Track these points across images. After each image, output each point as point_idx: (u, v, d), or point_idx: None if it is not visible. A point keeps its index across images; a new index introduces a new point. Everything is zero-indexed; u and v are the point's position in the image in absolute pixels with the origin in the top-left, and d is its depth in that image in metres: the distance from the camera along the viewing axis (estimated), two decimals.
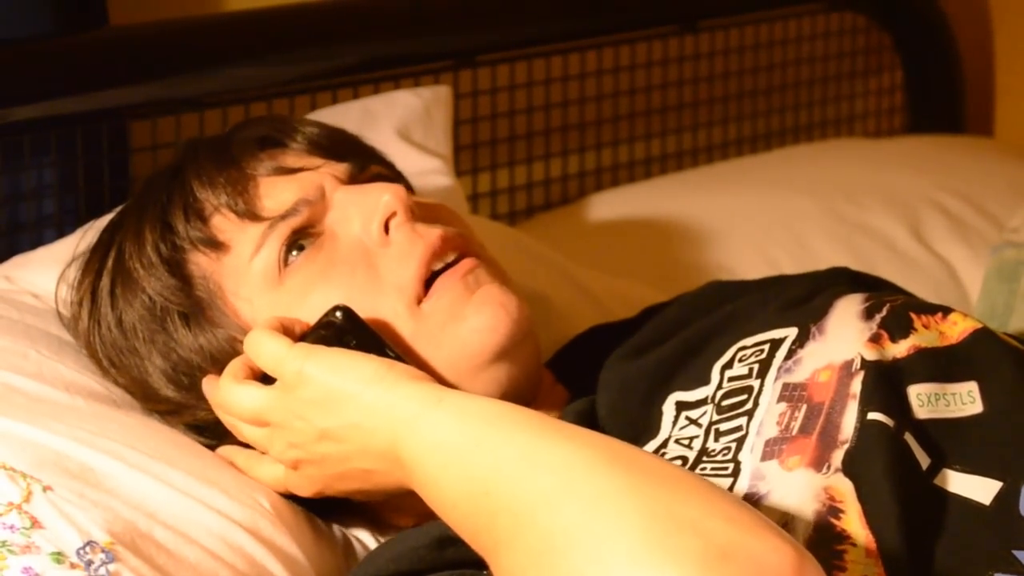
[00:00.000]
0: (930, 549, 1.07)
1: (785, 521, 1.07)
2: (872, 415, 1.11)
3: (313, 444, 1.18)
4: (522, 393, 1.26)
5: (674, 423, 1.20)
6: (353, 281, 1.24)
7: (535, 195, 2.00)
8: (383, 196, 1.26)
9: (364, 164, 1.33)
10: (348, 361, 1.15)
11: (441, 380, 1.20)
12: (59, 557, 1.12)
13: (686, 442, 1.18)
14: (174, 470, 1.22)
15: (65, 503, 1.15)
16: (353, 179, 1.31)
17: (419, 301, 1.24)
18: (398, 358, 1.19)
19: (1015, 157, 2.12)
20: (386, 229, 1.26)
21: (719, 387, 1.20)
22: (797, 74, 2.24)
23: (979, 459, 1.11)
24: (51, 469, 1.18)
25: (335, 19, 1.79)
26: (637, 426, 1.21)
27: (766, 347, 1.21)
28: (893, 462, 1.09)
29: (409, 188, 1.38)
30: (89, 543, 1.13)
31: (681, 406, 1.21)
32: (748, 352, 1.21)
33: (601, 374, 1.28)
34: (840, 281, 1.31)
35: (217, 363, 1.26)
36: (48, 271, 1.42)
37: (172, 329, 1.28)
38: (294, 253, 1.26)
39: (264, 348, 1.19)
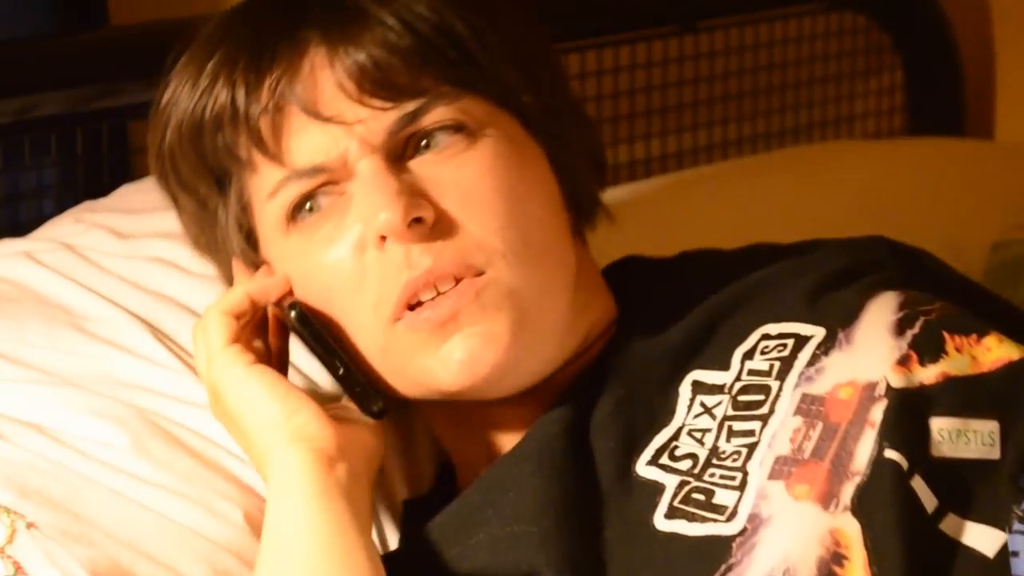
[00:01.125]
0: None
1: (786, 567, 1.05)
2: (888, 453, 1.08)
3: (237, 440, 1.21)
4: (504, 400, 1.20)
5: (689, 408, 1.17)
6: (340, 274, 1.17)
7: None
8: (379, 215, 1.14)
9: (417, 112, 1.17)
10: (256, 393, 1.17)
11: (410, 392, 1.20)
12: None
13: (699, 435, 1.15)
14: (157, 489, 1.22)
15: (49, 541, 1.14)
16: (392, 137, 1.17)
17: (397, 319, 1.16)
18: (347, 369, 1.19)
19: (1015, 158, 2.12)
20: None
21: (738, 378, 1.16)
22: (797, 74, 2.23)
23: (987, 509, 1.08)
24: (35, 500, 1.17)
25: None
26: (654, 412, 1.17)
27: (790, 343, 1.16)
28: (903, 508, 1.06)
29: (506, 97, 1.22)
30: None
31: (697, 388, 1.17)
32: (771, 345, 1.17)
33: (619, 339, 1.23)
34: (878, 253, 1.27)
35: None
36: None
37: (211, 209, 1.24)
38: (307, 206, 1.18)
39: (208, 335, 1.20)
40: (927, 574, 1.05)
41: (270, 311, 1.23)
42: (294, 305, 1.18)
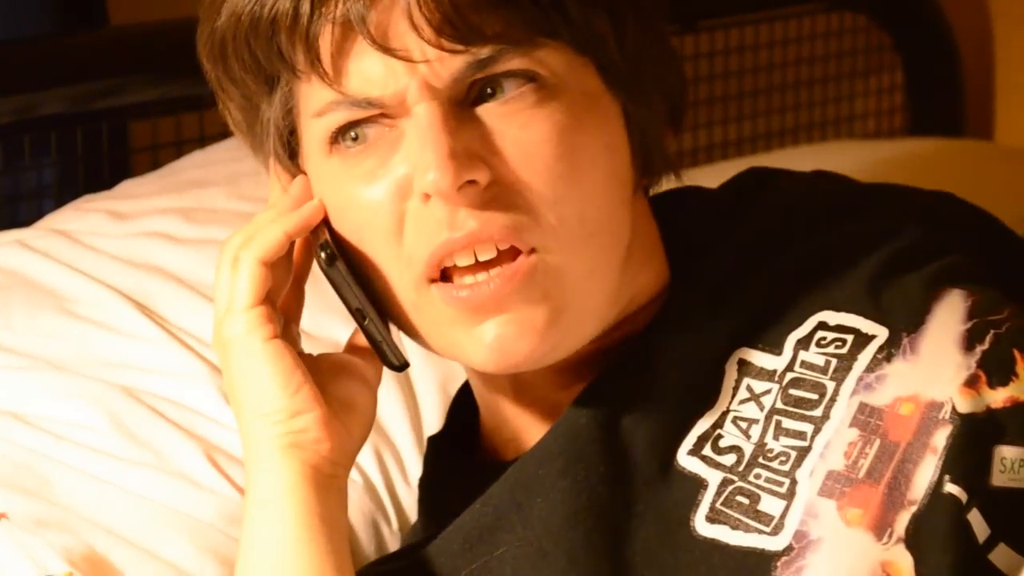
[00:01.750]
0: None
1: None
2: (949, 487, 1.03)
3: (231, 404, 1.14)
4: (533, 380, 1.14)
5: (734, 391, 1.10)
6: (376, 218, 1.08)
7: None
8: (428, 174, 1.04)
9: (489, 60, 1.06)
10: (263, 378, 1.10)
11: (436, 349, 1.12)
12: None
13: (744, 425, 1.08)
14: (137, 468, 1.22)
15: (21, 532, 1.14)
16: (457, 83, 1.06)
17: (431, 280, 1.07)
18: (372, 319, 1.12)
19: (1015, 158, 2.12)
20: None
21: (790, 368, 1.10)
22: (797, 74, 2.24)
23: None
24: (8, 488, 1.17)
25: None
26: (700, 393, 1.10)
27: (849, 340, 1.09)
28: (959, 546, 1.02)
29: (600, 50, 1.11)
30: None
31: (744, 368, 1.10)
32: (828, 337, 1.10)
33: (684, 304, 1.14)
34: (945, 215, 1.21)
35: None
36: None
37: (255, 103, 1.14)
38: (352, 134, 1.08)
39: (236, 285, 1.10)
40: None
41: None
42: (325, 245, 1.11)
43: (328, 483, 1.11)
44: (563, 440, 1.11)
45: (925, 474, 1.03)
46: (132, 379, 1.29)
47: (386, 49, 1.05)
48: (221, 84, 1.15)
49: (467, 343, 1.08)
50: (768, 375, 1.09)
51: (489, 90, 1.07)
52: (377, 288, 1.11)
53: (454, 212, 1.06)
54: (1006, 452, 1.04)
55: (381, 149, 1.08)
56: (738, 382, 1.10)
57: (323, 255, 1.11)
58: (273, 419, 1.10)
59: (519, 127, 1.07)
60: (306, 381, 1.11)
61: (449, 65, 1.05)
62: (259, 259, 1.10)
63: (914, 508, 1.02)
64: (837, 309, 1.10)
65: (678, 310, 1.14)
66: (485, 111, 1.07)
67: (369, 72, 1.06)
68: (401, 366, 1.13)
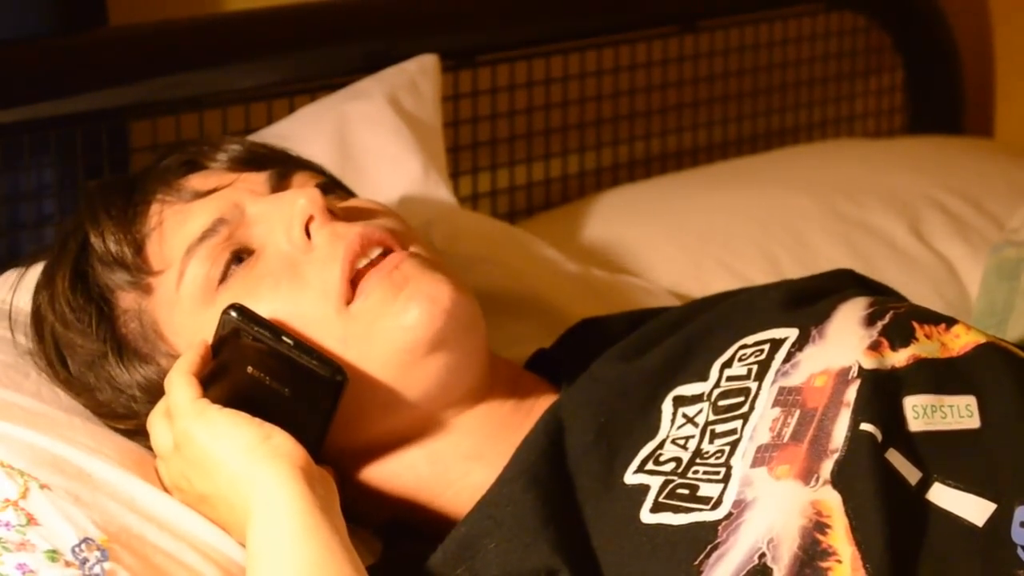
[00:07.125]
0: (916, 569, 1.06)
1: (770, 537, 1.07)
2: (864, 426, 1.10)
3: (199, 505, 1.21)
4: (466, 382, 1.24)
5: (672, 421, 1.20)
6: (278, 292, 1.22)
7: (535, 195, 2.00)
8: (298, 201, 1.23)
9: (286, 171, 1.30)
10: (230, 426, 1.17)
11: (378, 377, 1.21)
12: (54, 555, 1.13)
13: (682, 442, 1.17)
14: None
15: (61, 500, 1.16)
16: (274, 190, 1.28)
17: (347, 302, 1.22)
18: (296, 345, 1.19)
19: (1015, 157, 2.12)
20: (308, 233, 1.23)
21: (716, 385, 1.20)
22: (797, 74, 2.24)
23: (973, 477, 1.09)
24: (49, 469, 1.19)
25: (334, 19, 1.79)
26: (634, 432, 1.20)
27: (766, 347, 1.20)
28: (882, 478, 1.08)
29: (345, 190, 1.37)
30: (85, 540, 1.14)
31: (678, 401, 1.21)
32: (748, 352, 1.21)
33: (593, 369, 1.27)
34: (845, 284, 1.30)
35: (156, 395, 1.25)
36: None
37: (109, 369, 1.27)
38: (233, 267, 1.25)
39: (172, 393, 1.21)
40: (911, 541, 1.07)
41: None
42: (230, 306, 1.20)
43: (319, 485, 1.16)
44: (517, 468, 1.19)
45: (842, 425, 1.11)
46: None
47: (207, 192, 1.28)
48: (86, 385, 1.28)
49: (400, 316, 1.20)
50: (698, 399, 1.20)
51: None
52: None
53: (333, 230, 1.24)
54: (916, 400, 1.13)
55: (252, 261, 1.26)
56: (674, 414, 1.20)
57: (233, 313, 1.19)
58: (250, 446, 1.17)
59: (338, 200, 1.31)
60: (264, 420, 1.19)
61: (257, 178, 1.29)
62: (186, 371, 1.20)
63: (837, 455, 1.10)
64: (754, 332, 1.22)
65: (598, 372, 1.26)
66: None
67: (204, 212, 1.27)
68: (341, 378, 1.19)
